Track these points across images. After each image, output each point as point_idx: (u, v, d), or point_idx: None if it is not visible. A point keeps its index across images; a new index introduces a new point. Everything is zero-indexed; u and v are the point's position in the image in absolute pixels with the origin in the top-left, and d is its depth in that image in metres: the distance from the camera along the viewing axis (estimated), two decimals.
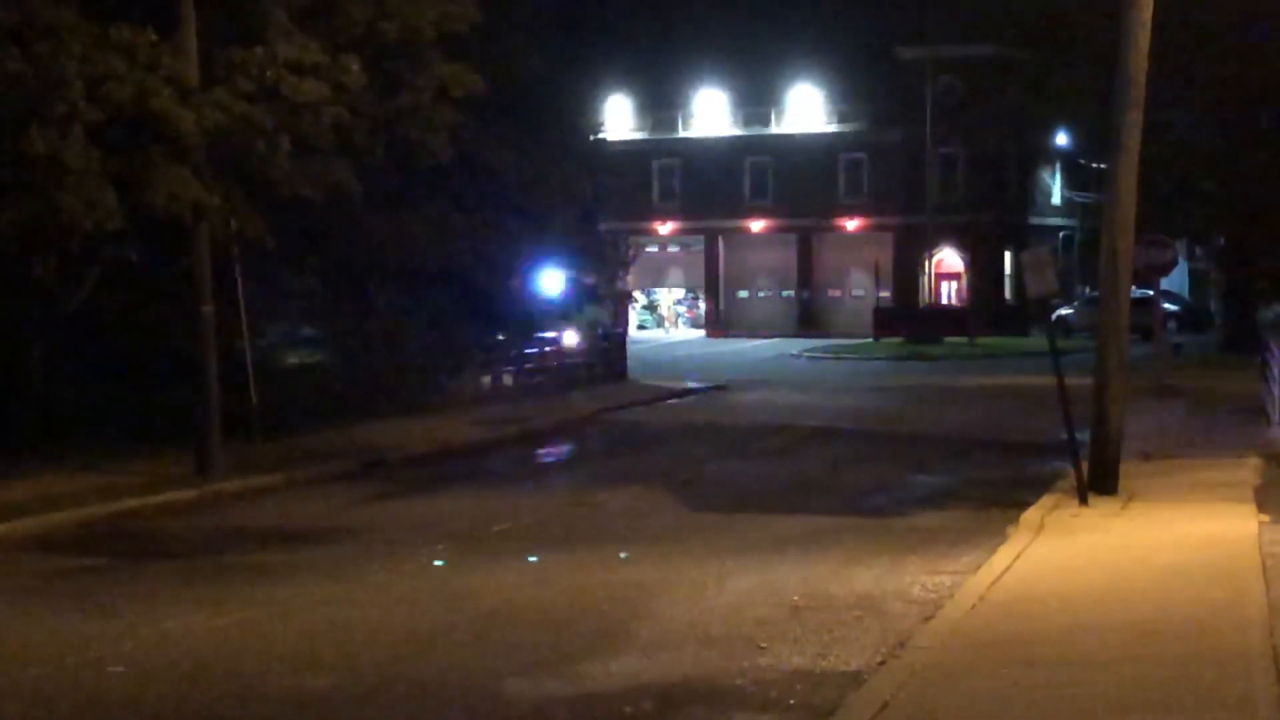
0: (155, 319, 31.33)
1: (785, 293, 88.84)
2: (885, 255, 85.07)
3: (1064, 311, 72.86)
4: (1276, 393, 30.95)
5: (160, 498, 25.37)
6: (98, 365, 32.59)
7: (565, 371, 48.99)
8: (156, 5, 27.21)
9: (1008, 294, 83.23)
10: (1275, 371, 31.57)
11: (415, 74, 30.85)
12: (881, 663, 13.69)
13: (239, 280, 29.81)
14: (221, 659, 14.66)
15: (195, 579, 18.99)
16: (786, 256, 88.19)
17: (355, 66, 28.50)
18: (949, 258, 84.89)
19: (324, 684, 13.72)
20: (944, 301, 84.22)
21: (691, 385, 49.92)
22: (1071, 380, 22.62)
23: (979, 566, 17.84)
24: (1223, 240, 63.87)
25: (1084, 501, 21.95)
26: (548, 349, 48.52)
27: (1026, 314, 76.82)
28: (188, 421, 28.13)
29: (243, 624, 16.25)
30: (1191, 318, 77.57)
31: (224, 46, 27.84)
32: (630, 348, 56.07)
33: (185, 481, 26.70)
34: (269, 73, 27.62)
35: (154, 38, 26.61)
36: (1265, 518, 20.30)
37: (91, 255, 28.98)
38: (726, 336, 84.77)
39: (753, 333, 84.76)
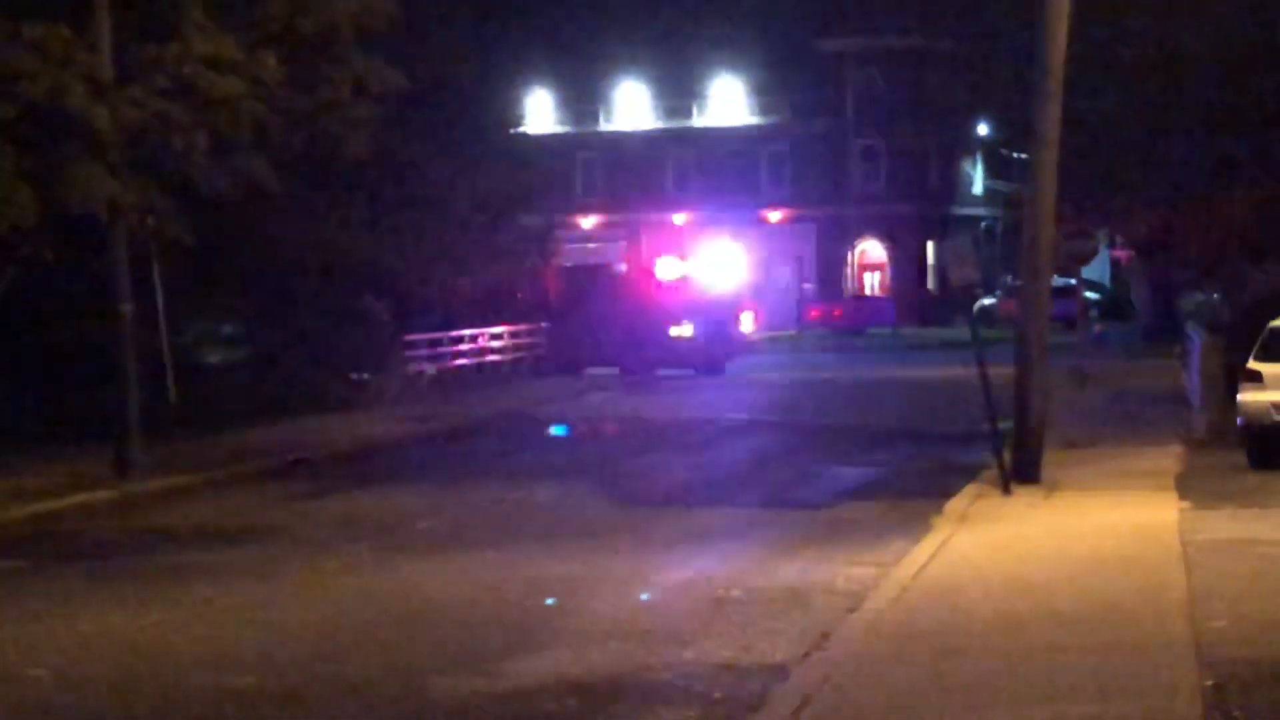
0: (73, 318, 31.02)
1: None
2: (808, 247, 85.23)
3: (987, 301, 73.12)
4: (1198, 381, 31.12)
5: (79, 498, 25.10)
6: (13, 365, 32.25)
7: (492, 367, 48.86)
8: (70, 1, 26.91)
9: (931, 284, 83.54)
10: (1196, 360, 31.75)
11: (333, 69, 30.64)
12: (806, 655, 13.66)
13: (157, 278, 29.56)
14: (142, 661, 14.52)
15: (115, 580, 18.79)
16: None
17: (272, 62, 28.25)
18: (872, 249, 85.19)
19: (246, 684, 13.58)
20: (868, 292, 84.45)
21: (619, 379, 49.82)
22: (995, 370, 22.69)
23: (902, 557, 17.84)
24: (1145, 229, 64.18)
25: (1007, 491, 22.00)
26: (474, 345, 48.35)
27: (950, 304, 77.11)
28: (106, 421, 27.86)
29: (163, 625, 16.10)
30: (1113, 307, 77.96)
31: (139, 42, 27.55)
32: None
33: (104, 482, 26.38)
34: (185, 68, 27.34)
35: (67, 34, 26.32)
36: (1186, 505, 20.46)
37: (6, 254, 28.65)
38: None
39: None
